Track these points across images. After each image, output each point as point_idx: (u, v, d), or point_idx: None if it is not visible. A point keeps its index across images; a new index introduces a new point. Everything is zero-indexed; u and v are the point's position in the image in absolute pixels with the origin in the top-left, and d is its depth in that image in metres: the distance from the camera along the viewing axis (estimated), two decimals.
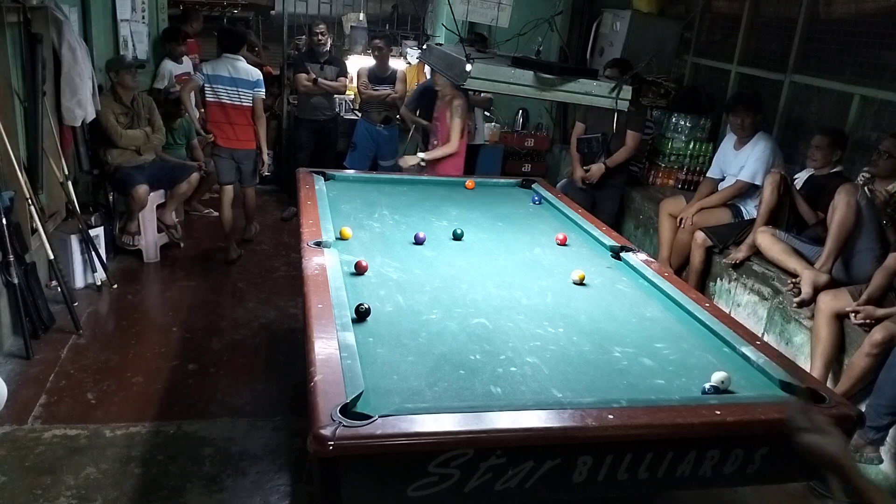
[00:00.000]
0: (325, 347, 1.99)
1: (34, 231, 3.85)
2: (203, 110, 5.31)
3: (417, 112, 5.75)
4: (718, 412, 1.86)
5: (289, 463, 2.92)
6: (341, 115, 6.59)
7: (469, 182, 4.10)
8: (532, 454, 1.74)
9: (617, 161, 4.91)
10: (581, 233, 3.40)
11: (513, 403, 1.86)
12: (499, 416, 1.78)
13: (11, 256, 3.48)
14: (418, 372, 2.00)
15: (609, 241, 3.20)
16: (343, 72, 6.13)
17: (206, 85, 4.85)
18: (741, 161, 4.21)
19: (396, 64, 6.29)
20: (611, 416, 1.79)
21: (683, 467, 1.86)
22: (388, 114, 6.05)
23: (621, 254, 3.08)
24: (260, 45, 7.74)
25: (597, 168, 4.96)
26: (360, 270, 2.63)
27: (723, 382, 2.01)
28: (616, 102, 2.90)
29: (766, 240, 3.74)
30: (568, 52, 4.55)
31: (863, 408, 2.68)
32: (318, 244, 2.76)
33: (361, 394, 1.78)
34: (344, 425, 1.63)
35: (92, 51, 4.67)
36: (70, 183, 4.25)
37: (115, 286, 4.44)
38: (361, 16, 7.63)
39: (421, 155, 4.71)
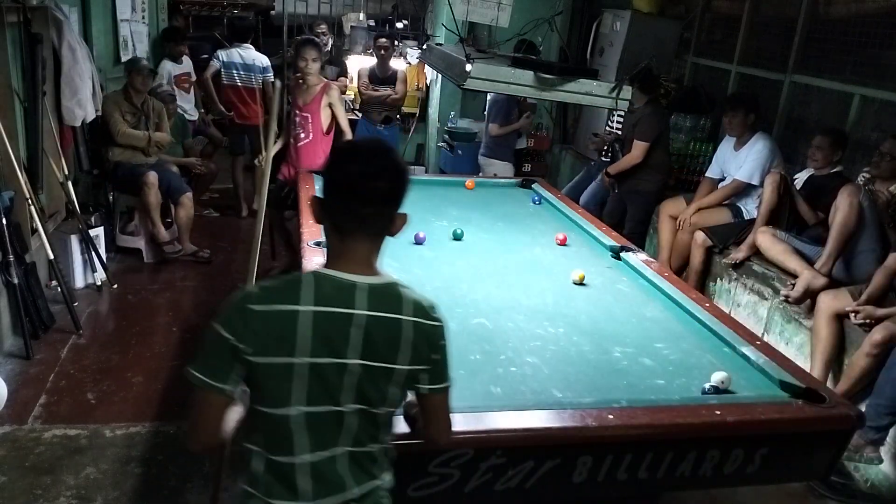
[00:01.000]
0: None
1: (34, 231, 3.84)
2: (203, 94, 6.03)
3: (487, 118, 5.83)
4: (718, 412, 1.86)
5: None
6: None
7: (469, 182, 4.11)
8: (532, 454, 1.74)
9: (618, 168, 4.76)
10: (581, 233, 3.40)
11: (513, 403, 1.86)
12: (499, 416, 1.78)
13: (11, 256, 3.48)
14: None
15: (609, 241, 3.21)
16: (343, 72, 6.14)
17: (222, 70, 5.59)
18: (740, 161, 4.21)
19: (397, 64, 6.29)
20: (611, 417, 1.79)
21: (683, 467, 1.86)
22: (389, 114, 6.04)
23: (621, 254, 3.08)
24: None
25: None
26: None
27: (723, 382, 2.01)
28: (616, 102, 2.91)
29: (766, 240, 3.74)
30: (568, 52, 4.54)
31: (863, 408, 2.67)
32: (318, 244, 2.76)
33: None
34: None
35: (92, 51, 4.66)
36: (70, 183, 4.24)
37: (115, 286, 4.44)
38: (361, 16, 7.64)
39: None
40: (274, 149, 4.45)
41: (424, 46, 5.84)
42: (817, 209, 3.78)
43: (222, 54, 5.73)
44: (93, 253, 4.33)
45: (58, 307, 3.88)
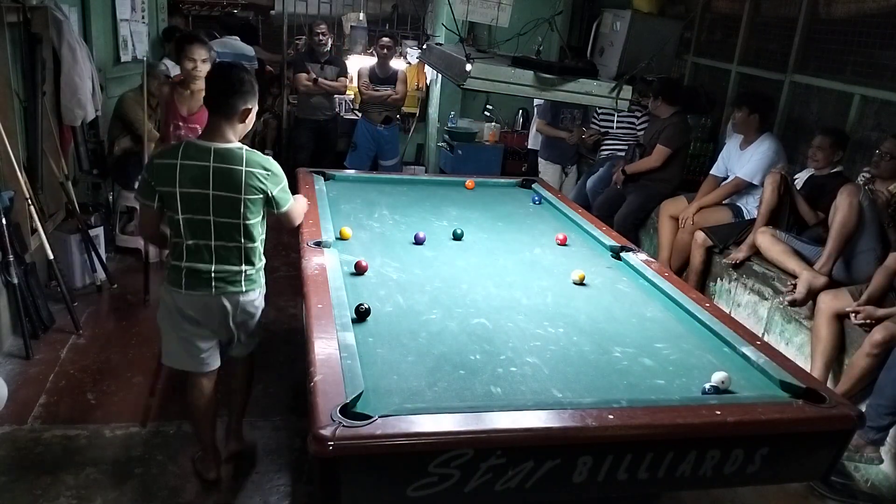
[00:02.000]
0: (325, 347, 1.99)
1: (34, 231, 3.84)
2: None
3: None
4: (718, 412, 1.86)
5: (289, 463, 2.92)
6: (341, 114, 6.59)
7: (469, 182, 4.10)
8: (532, 454, 1.74)
9: (635, 169, 4.84)
10: (581, 233, 3.39)
11: (513, 403, 1.86)
12: (499, 416, 1.78)
13: (11, 256, 3.48)
14: (418, 372, 2.00)
15: (609, 241, 3.20)
16: (343, 72, 6.13)
17: (217, 60, 5.68)
18: (745, 160, 4.21)
19: (397, 64, 6.29)
20: (611, 417, 1.79)
21: (683, 467, 1.86)
22: (389, 114, 6.04)
23: (621, 254, 3.08)
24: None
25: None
26: (360, 270, 2.63)
27: (723, 382, 2.01)
28: (616, 102, 2.91)
29: (766, 240, 3.74)
30: (568, 52, 4.54)
31: (863, 408, 2.67)
32: (318, 244, 2.76)
33: (361, 394, 1.78)
34: (344, 425, 1.63)
35: (92, 51, 4.66)
36: (70, 183, 4.24)
37: (115, 286, 4.44)
38: (361, 16, 7.63)
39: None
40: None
41: (424, 46, 5.84)
42: (817, 209, 3.78)
43: (216, 45, 5.82)
44: (92, 253, 4.33)
45: (58, 307, 3.88)
